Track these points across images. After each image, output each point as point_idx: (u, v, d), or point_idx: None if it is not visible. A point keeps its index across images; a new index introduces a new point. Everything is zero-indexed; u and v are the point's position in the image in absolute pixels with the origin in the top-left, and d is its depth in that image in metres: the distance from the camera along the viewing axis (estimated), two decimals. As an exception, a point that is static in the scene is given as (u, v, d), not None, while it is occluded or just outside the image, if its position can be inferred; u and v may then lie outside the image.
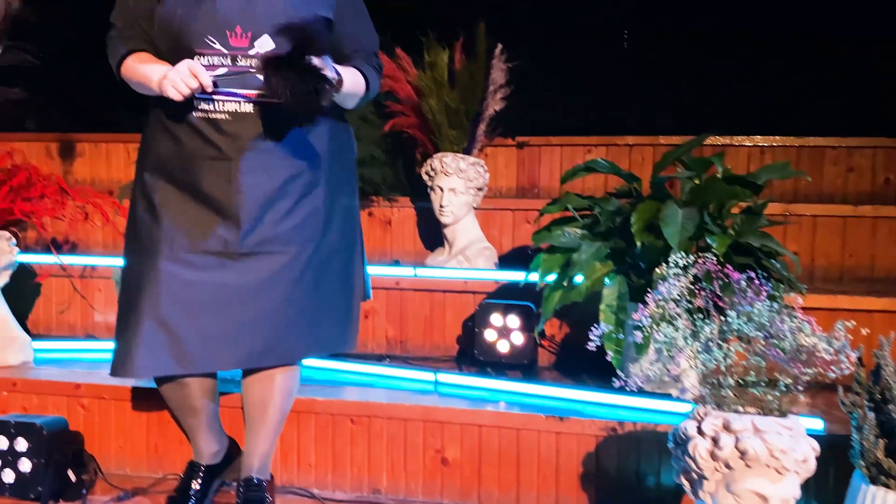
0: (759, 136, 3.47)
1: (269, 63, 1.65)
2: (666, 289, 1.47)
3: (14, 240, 2.50)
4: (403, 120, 2.97)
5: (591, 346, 1.58)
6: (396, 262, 2.88)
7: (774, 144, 3.45)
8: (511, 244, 3.19)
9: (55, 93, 3.35)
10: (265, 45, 1.74)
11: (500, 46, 2.85)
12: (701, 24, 3.58)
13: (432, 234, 3.20)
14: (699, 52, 3.66)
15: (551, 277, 2.10)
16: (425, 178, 2.93)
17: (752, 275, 1.56)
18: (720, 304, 1.59)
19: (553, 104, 3.36)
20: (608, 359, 1.90)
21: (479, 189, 2.89)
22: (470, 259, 2.84)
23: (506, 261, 3.00)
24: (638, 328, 1.55)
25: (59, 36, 2.85)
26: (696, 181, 2.05)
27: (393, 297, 2.72)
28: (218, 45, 1.73)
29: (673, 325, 1.53)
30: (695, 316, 1.54)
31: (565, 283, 2.02)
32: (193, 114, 1.77)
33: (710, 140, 3.46)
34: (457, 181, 2.82)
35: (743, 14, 3.60)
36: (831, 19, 3.62)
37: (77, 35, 3.80)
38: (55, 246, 2.88)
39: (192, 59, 1.72)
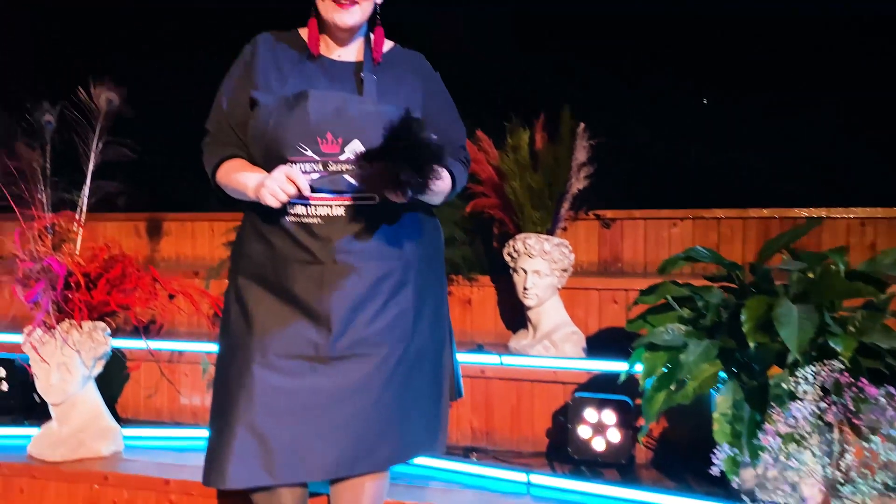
0: (858, 208, 3.28)
1: (365, 156, 1.64)
2: (799, 413, 1.34)
3: (109, 330, 2.55)
4: (485, 201, 2.94)
5: (715, 470, 1.45)
6: (480, 348, 2.81)
7: (877, 216, 3.25)
8: (597, 325, 3.07)
9: (147, 177, 3.47)
10: (356, 150, 1.73)
11: (582, 125, 2.80)
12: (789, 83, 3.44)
13: (513, 313, 3.12)
14: (785, 115, 3.51)
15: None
16: (507, 259, 2.87)
17: (893, 390, 1.41)
18: (854, 420, 1.44)
19: (634, 175, 3.26)
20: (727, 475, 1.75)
21: (564, 270, 2.81)
22: (557, 344, 2.74)
23: (593, 345, 2.89)
24: (763, 449, 1.41)
25: (151, 124, 2.95)
26: (810, 274, 1.91)
27: (478, 385, 2.63)
28: (309, 152, 1.73)
29: (804, 444, 1.39)
30: (828, 436, 1.40)
31: (672, 386, 1.90)
32: (286, 218, 1.77)
33: (804, 212, 3.31)
34: (541, 263, 2.75)
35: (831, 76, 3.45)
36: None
37: (164, 120, 3.95)
38: (143, 330, 2.92)
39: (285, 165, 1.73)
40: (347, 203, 1.75)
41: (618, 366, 2.46)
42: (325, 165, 1.73)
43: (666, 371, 1.93)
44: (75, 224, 2.63)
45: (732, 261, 2.15)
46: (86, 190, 2.63)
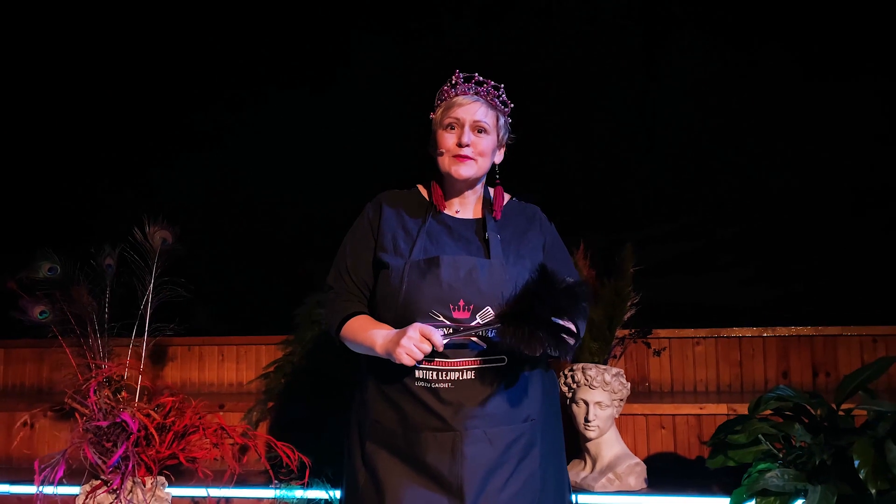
0: (870, 326, 3.47)
1: (505, 318, 1.66)
2: None
3: (167, 483, 2.40)
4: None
5: None
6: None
7: (888, 333, 3.45)
8: (646, 451, 3.10)
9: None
10: (487, 317, 1.76)
11: (629, 246, 2.93)
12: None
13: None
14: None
15: None
16: (564, 389, 2.88)
17: None
18: None
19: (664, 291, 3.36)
20: None
21: (622, 400, 2.84)
22: (621, 477, 2.74)
23: (651, 474, 2.89)
24: None
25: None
26: (908, 417, 2.01)
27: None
28: (441, 318, 1.75)
29: None
30: None
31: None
32: (415, 383, 1.76)
33: (818, 329, 3.49)
34: (602, 394, 2.78)
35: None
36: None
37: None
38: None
39: None
40: (477, 366, 1.76)
41: (698, 501, 2.49)
42: (455, 330, 1.74)
43: (782, 517, 1.96)
44: (128, 370, 2.51)
45: (817, 400, 2.24)
46: (145, 335, 2.52)
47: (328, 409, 3.01)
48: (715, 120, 3.69)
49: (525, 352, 1.66)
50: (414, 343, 1.67)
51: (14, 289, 2.33)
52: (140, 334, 2.54)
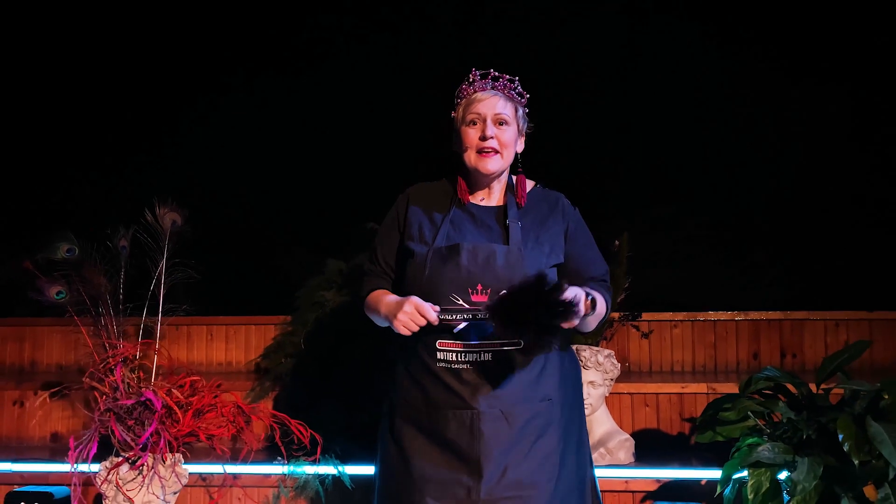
0: (833, 311, 3.72)
1: (497, 309, 1.73)
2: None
3: (184, 460, 2.46)
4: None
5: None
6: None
7: (849, 318, 3.70)
8: (631, 428, 3.28)
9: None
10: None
11: (625, 235, 3.09)
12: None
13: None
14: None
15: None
16: (557, 369, 3.03)
17: None
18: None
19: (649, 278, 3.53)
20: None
21: (612, 380, 3.01)
22: (612, 452, 2.91)
23: (637, 450, 3.07)
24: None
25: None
26: (885, 395, 2.21)
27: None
28: (461, 302, 1.86)
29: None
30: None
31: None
32: (437, 364, 1.88)
33: (787, 314, 3.73)
34: (595, 374, 2.94)
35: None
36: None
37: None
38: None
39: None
40: (495, 349, 1.87)
41: (687, 473, 2.68)
42: (473, 314, 1.86)
43: (771, 488, 2.15)
44: (140, 349, 2.55)
45: (800, 379, 2.44)
46: (159, 315, 2.57)
47: (329, 389, 3.10)
48: (700, 116, 3.88)
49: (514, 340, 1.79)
50: (409, 317, 1.81)
51: (30, 269, 2.34)
52: (152, 314, 2.58)
